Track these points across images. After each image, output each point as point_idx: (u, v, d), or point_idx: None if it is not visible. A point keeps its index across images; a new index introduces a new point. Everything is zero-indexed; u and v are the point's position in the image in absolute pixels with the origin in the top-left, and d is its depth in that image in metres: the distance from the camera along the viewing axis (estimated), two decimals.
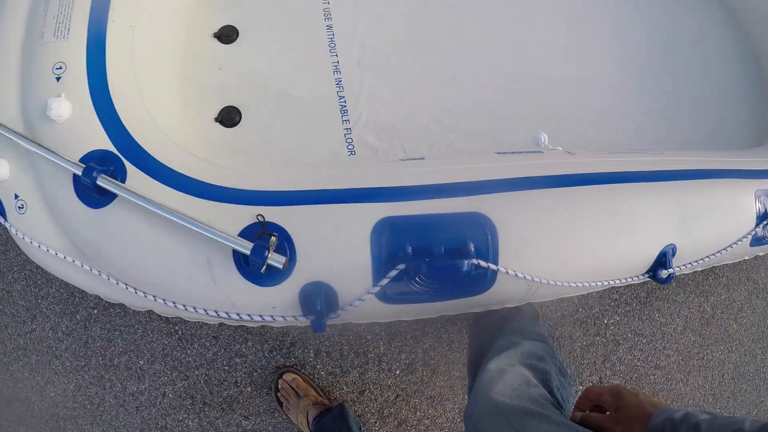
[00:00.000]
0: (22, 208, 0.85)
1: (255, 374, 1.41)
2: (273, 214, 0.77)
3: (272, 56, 1.03)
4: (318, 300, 0.77)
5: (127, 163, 0.80)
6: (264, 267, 0.74)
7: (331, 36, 1.02)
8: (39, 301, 1.48)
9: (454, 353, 1.42)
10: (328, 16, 1.04)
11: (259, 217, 0.77)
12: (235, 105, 1.00)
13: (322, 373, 1.43)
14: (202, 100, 0.96)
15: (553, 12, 1.16)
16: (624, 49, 1.23)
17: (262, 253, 0.72)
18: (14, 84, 0.88)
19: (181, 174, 0.80)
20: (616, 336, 1.48)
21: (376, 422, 1.41)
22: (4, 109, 0.87)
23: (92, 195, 0.79)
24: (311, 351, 1.43)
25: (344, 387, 1.42)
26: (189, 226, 0.74)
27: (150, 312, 1.39)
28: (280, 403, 1.38)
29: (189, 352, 1.41)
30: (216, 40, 1.05)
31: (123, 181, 0.79)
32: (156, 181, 0.79)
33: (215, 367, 1.41)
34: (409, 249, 0.77)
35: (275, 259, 0.73)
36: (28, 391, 1.45)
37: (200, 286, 0.78)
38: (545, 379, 0.82)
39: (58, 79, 0.83)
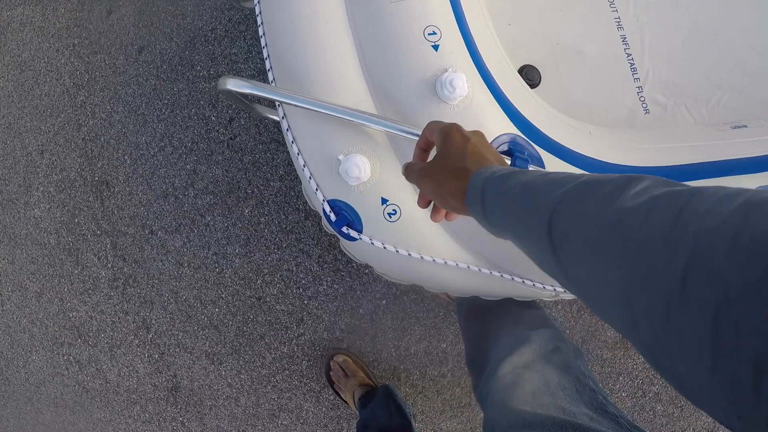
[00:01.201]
0: (395, 213, 0.68)
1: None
2: None
3: (557, 10, 0.93)
4: None
5: (539, 149, 0.69)
6: None
7: None
8: (305, 302, 1.31)
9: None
10: None
11: None
12: (531, 64, 0.89)
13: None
14: None
15: None
16: None
17: None
18: (350, 56, 0.67)
19: (587, 156, 0.73)
20: None
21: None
22: (348, 88, 0.66)
23: None
24: None
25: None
26: None
27: (449, 295, 1.29)
28: (331, 382, 1.37)
29: None
30: None
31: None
32: (573, 167, 0.70)
33: None
34: None
35: None
36: (300, 399, 1.35)
37: None
38: (567, 372, 0.70)
39: (435, 47, 0.66)
